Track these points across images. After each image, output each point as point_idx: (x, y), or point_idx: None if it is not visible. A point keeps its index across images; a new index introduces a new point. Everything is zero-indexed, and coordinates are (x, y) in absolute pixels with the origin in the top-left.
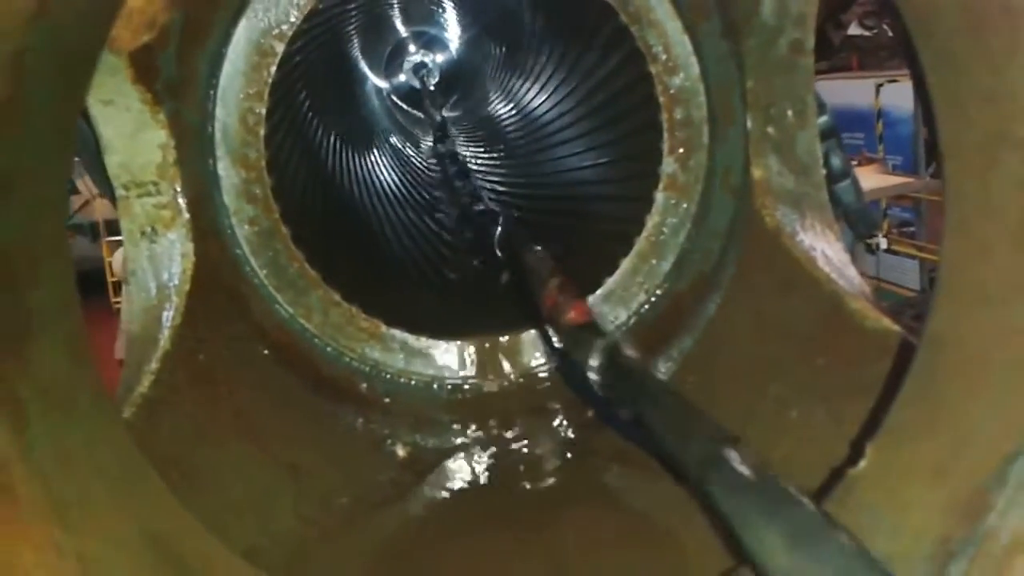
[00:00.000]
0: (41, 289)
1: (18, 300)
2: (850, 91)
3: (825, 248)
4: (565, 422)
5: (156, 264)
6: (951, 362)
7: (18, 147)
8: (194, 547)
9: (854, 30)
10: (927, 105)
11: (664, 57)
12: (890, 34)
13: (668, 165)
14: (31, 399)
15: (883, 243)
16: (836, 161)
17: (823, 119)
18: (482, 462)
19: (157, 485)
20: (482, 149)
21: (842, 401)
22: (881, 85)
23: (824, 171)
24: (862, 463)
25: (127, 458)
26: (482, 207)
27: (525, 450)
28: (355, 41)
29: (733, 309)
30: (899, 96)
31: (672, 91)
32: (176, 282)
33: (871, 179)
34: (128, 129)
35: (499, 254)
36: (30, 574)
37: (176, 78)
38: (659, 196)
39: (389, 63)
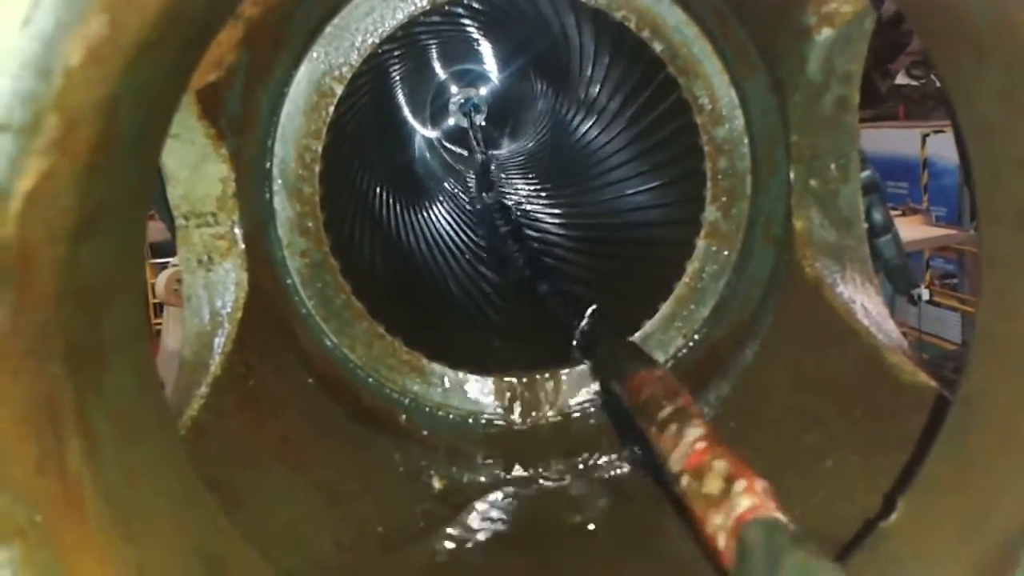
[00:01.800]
0: (117, 316)
1: (96, 326)
2: (896, 140)
3: (864, 301)
4: (601, 463)
5: (211, 291)
6: (983, 421)
7: (108, 183)
8: (244, 568)
9: (902, 79)
10: (967, 168)
11: (710, 108)
12: (938, 84)
13: (710, 213)
14: (103, 421)
15: (925, 295)
16: (877, 216)
17: (866, 174)
18: (516, 499)
19: (211, 506)
20: (528, 189)
21: (877, 454)
22: (927, 135)
23: (865, 225)
24: (893, 516)
25: (186, 480)
26: (546, 288)
27: (560, 489)
28: (405, 80)
29: (771, 358)
30: (945, 147)
31: (717, 141)
32: (229, 309)
33: (915, 230)
34: (191, 162)
35: (575, 345)
36: None
37: (239, 115)
38: (700, 243)
39: (435, 100)
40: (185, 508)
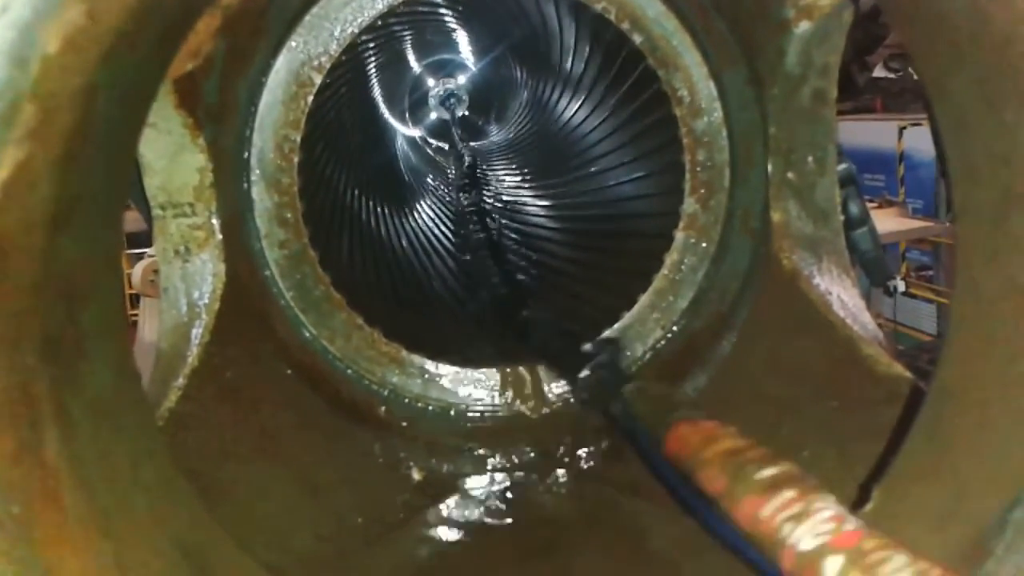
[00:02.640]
0: (94, 306)
1: (73, 316)
2: (873, 133)
3: (841, 293)
4: (581, 454)
5: (188, 282)
6: (957, 412)
7: (85, 173)
8: (224, 560)
9: (879, 72)
10: (944, 161)
11: (689, 100)
12: (915, 78)
13: (689, 205)
14: (80, 412)
15: (901, 286)
16: (854, 208)
17: (843, 166)
18: (495, 490)
19: (191, 498)
20: (509, 180)
21: (853, 444)
22: (904, 128)
23: (842, 217)
24: (868, 505)
25: (165, 472)
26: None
27: (539, 481)
28: (383, 71)
29: (748, 349)
30: (922, 140)
31: (696, 133)
32: (206, 300)
33: (891, 222)
34: (168, 152)
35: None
36: None
37: (217, 104)
38: (679, 235)
39: (413, 92)
40: (164, 500)
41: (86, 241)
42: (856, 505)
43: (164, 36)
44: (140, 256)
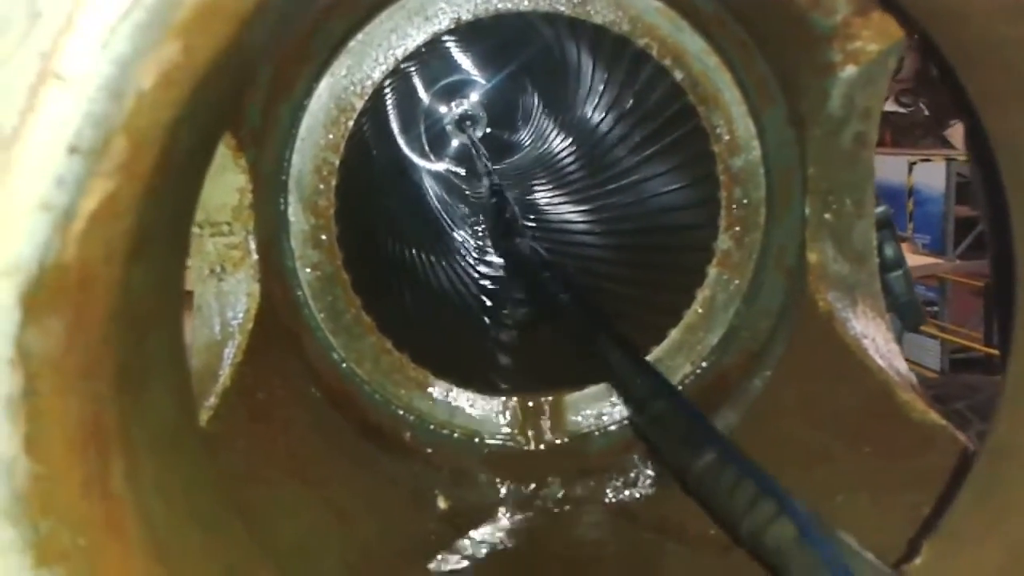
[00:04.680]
0: (159, 335)
1: (141, 347)
2: (882, 167)
3: (876, 336)
4: (608, 487)
5: (222, 301)
6: (1013, 472)
7: (162, 204)
8: None
9: (890, 106)
10: (996, 214)
11: (727, 138)
12: (926, 113)
13: (723, 241)
14: (144, 443)
15: None
16: (889, 251)
17: (880, 209)
18: (521, 521)
19: (239, 530)
20: (537, 201)
21: (887, 491)
22: (914, 163)
23: (878, 260)
24: (917, 560)
25: (216, 501)
26: None
27: (565, 513)
28: (424, 93)
29: (780, 389)
30: (931, 175)
31: (733, 171)
32: (240, 320)
33: None
34: (210, 171)
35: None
36: None
37: (260, 127)
38: (711, 271)
39: (429, 116)
40: (215, 531)
41: (157, 271)
42: (902, 559)
43: (245, 67)
44: None
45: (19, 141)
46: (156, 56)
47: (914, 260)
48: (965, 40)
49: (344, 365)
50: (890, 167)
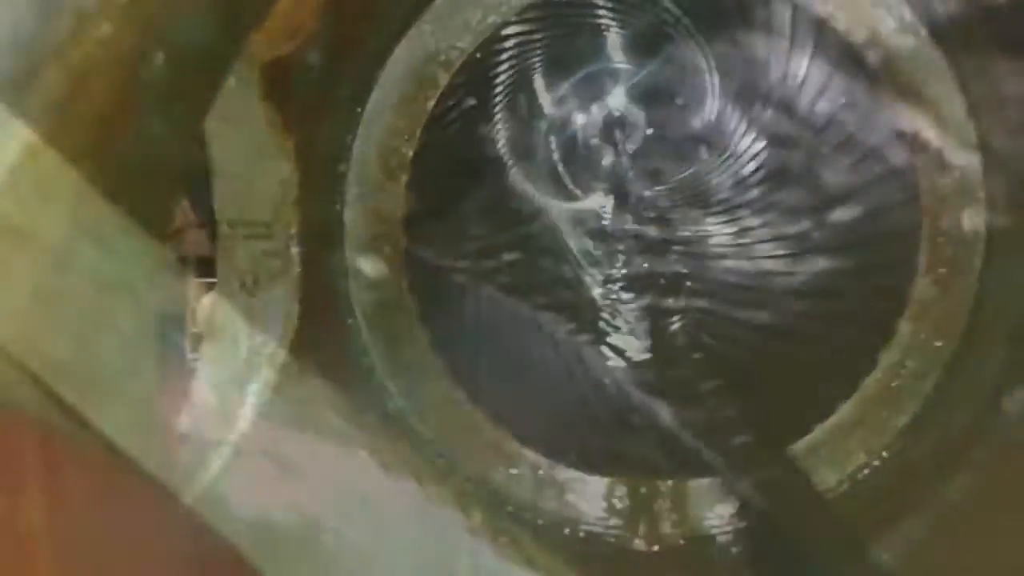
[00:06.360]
0: None
1: None
2: None
3: None
4: None
5: (252, 323)
6: None
7: None
8: None
9: None
10: None
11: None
12: None
13: (921, 286)
14: None
15: None
16: None
17: None
18: None
19: None
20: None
21: None
22: None
23: None
24: None
25: None
26: None
27: None
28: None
29: (987, 498)
30: None
31: (940, 192)
32: (270, 349)
33: None
34: (246, 154)
35: None
36: None
37: (313, 101)
38: (903, 326)
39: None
40: None
41: None
42: None
43: None
44: (213, 287)
45: None
46: None
47: None
48: None
49: (401, 415)
50: None
